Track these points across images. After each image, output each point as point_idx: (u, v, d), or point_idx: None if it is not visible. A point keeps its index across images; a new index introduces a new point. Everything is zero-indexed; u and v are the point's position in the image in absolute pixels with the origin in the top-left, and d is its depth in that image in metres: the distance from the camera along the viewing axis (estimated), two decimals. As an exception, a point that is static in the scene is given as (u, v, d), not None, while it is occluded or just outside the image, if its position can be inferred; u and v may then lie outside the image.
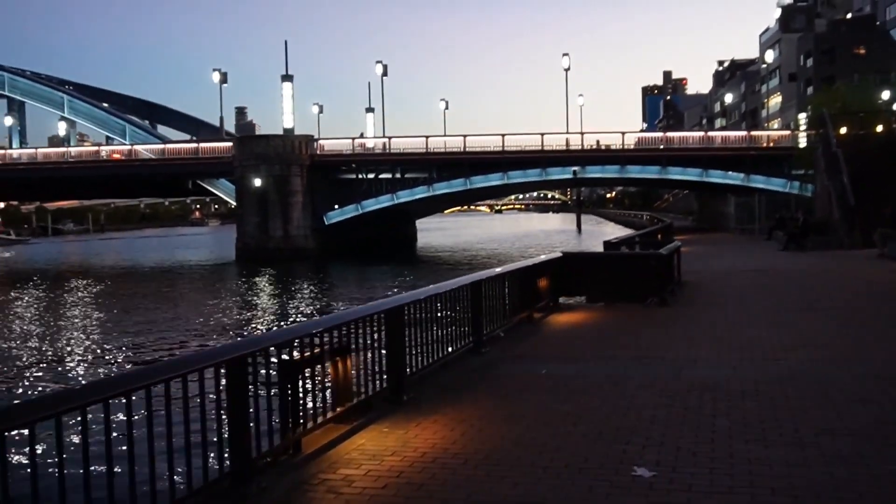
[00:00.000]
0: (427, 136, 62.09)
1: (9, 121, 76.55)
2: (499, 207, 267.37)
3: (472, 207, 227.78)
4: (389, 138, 63.98)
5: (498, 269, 12.64)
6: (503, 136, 60.68)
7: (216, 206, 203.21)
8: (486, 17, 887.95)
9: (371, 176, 62.46)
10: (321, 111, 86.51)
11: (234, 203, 62.94)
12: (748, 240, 43.39)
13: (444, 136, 63.90)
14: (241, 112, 75.01)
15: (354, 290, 37.90)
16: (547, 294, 15.54)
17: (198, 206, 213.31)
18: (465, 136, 61.93)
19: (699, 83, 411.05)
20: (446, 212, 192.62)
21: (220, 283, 44.78)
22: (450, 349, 10.27)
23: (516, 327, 13.10)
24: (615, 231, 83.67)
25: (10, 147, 74.74)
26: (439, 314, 10.12)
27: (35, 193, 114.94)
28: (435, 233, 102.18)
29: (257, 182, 59.59)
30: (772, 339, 11.82)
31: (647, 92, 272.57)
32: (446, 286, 10.53)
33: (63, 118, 71.54)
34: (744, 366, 9.81)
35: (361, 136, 65.27)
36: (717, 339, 12.04)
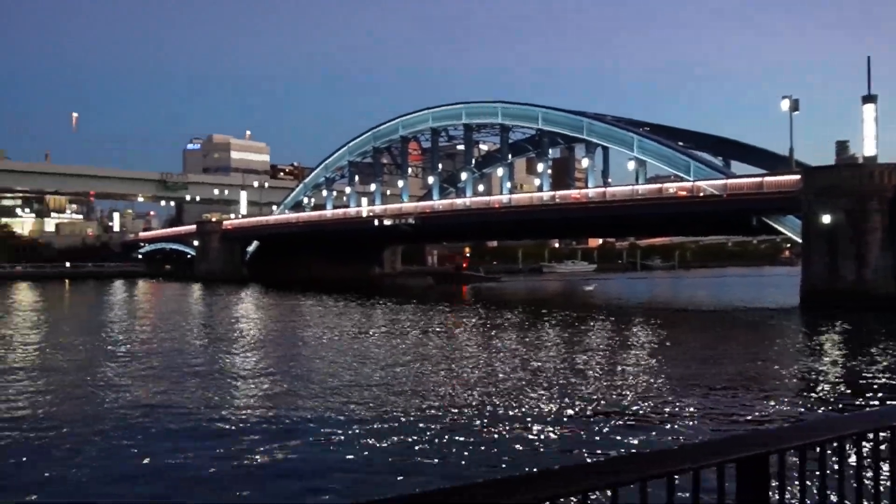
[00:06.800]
0: None
1: (585, 162, 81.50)
2: None
3: None
4: None
5: None
6: None
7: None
8: None
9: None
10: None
11: (801, 241, 56.50)
12: None
13: None
14: (842, 146, 67.38)
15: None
16: None
17: (788, 245, 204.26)
18: None
19: None
20: None
21: (772, 336, 38.72)
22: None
23: None
24: None
25: (587, 187, 79.43)
26: None
27: (621, 231, 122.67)
28: None
29: (825, 218, 52.24)
30: None
31: None
32: None
33: (633, 158, 73.42)
34: None
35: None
36: None
